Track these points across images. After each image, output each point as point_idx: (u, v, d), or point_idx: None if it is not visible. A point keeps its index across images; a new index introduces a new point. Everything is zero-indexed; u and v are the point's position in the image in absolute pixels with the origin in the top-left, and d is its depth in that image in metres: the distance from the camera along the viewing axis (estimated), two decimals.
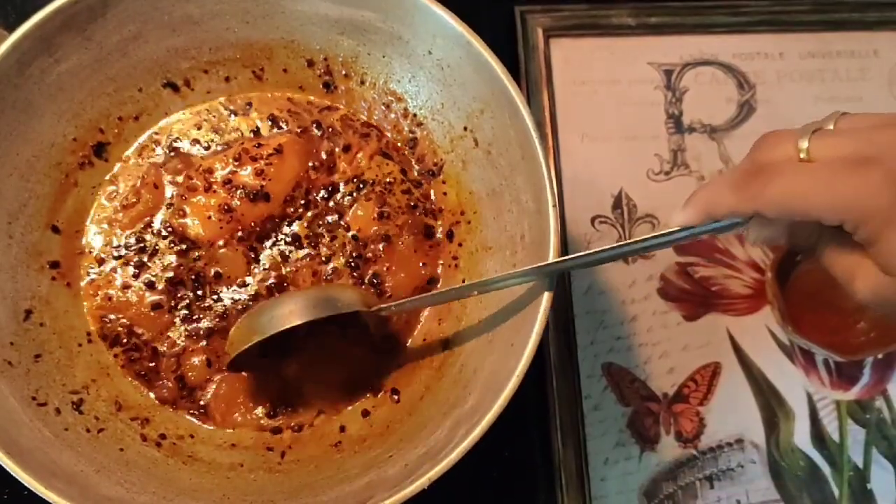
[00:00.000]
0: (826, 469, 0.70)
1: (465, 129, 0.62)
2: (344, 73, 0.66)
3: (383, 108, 0.66)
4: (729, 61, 0.79)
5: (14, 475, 0.48)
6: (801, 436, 0.70)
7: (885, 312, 0.44)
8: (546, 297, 0.52)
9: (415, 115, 0.65)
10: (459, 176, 0.64)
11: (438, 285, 0.64)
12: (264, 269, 0.62)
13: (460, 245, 0.64)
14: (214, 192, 0.63)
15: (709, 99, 0.78)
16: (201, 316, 0.61)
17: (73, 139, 0.61)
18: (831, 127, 0.43)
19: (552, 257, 0.53)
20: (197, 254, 0.62)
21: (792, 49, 0.80)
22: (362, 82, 0.66)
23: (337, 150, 0.65)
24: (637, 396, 0.70)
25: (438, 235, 0.65)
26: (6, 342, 0.56)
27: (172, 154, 0.65)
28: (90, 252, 0.63)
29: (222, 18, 0.62)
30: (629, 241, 0.48)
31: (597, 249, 0.50)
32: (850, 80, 0.80)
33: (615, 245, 0.49)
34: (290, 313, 0.56)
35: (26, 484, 0.48)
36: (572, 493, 0.67)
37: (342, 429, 0.60)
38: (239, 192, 0.63)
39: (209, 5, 0.61)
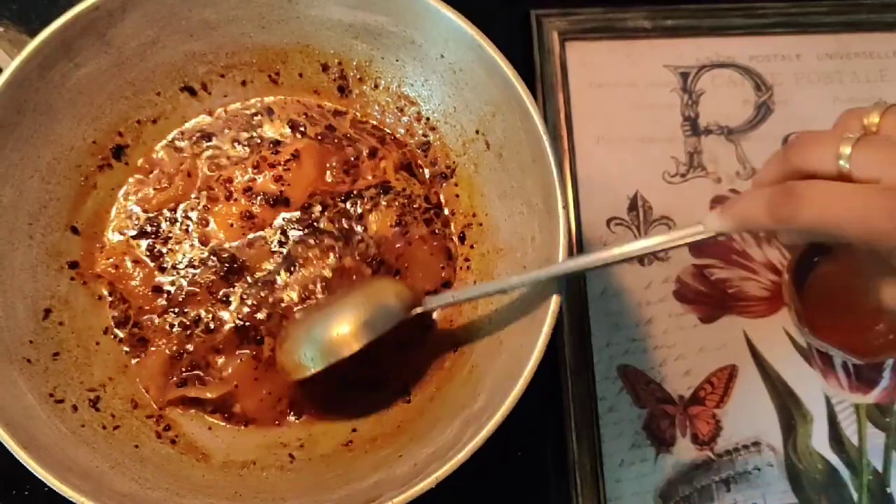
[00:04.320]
0: (845, 473, 0.69)
1: (477, 132, 0.63)
2: (358, 77, 0.66)
3: (396, 111, 0.67)
4: (746, 63, 0.79)
5: (31, 470, 0.49)
6: (819, 439, 0.70)
7: None
8: (555, 300, 0.53)
9: (427, 118, 0.66)
10: (471, 178, 0.64)
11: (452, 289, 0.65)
12: (285, 259, 0.64)
13: (472, 247, 0.64)
14: (235, 200, 0.64)
15: (725, 101, 0.78)
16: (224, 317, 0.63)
17: (92, 142, 0.63)
18: (876, 120, 0.42)
19: (561, 258, 0.53)
20: (223, 262, 0.64)
21: (809, 50, 0.80)
22: (376, 86, 0.66)
23: (363, 154, 0.66)
24: (652, 398, 0.70)
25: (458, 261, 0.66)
26: (25, 340, 0.57)
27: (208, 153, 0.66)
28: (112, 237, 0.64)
29: (238, 23, 0.63)
30: (642, 243, 0.50)
31: (611, 252, 0.51)
32: (869, 82, 0.79)
33: (628, 246, 0.51)
34: (346, 338, 0.56)
35: (42, 479, 0.49)
36: (587, 495, 0.67)
37: (354, 429, 0.60)
38: (259, 198, 0.64)
39: (226, 10, 0.62)
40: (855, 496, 0.69)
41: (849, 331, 0.70)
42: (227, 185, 0.64)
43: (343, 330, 0.56)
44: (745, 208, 0.45)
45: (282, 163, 0.64)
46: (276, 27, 0.64)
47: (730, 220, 0.46)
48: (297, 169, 0.65)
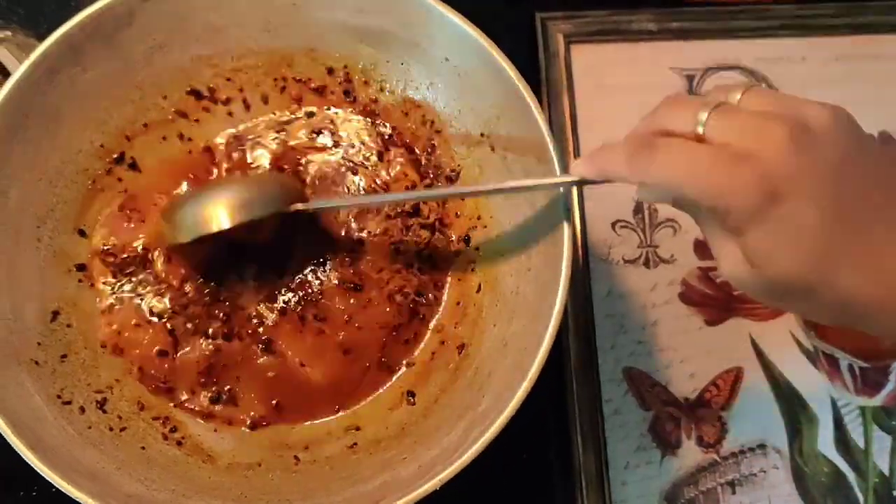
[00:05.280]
0: (851, 475, 0.69)
1: (482, 134, 0.63)
2: (363, 80, 0.66)
3: (402, 115, 0.67)
4: (752, 66, 0.79)
5: (38, 471, 0.50)
6: (825, 442, 0.70)
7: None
8: (559, 302, 0.53)
9: (432, 121, 0.66)
10: (476, 181, 0.64)
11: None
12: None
13: (477, 249, 0.65)
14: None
15: None
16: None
17: (99, 145, 0.63)
18: (738, 97, 0.44)
19: (565, 260, 0.53)
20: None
21: (816, 53, 0.80)
22: (381, 90, 0.67)
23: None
24: (658, 401, 0.70)
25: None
26: (33, 342, 0.57)
27: None
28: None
29: (244, 27, 0.63)
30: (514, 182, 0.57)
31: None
32: (876, 85, 0.79)
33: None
34: (218, 213, 0.57)
35: (50, 480, 0.49)
36: (592, 497, 0.67)
37: (358, 430, 0.61)
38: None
39: (232, 14, 0.62)
40: (861, 499, 0.68)
41: (855, 333, 0.70)
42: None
43: (218, 205, 0.58)
44: (607, 157, 0.47)
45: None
46: (282, 31, 0.64)
47: (591, 167, 0.48)
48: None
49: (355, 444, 0.60)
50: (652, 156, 0.43)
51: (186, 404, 0.61)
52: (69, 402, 0.56)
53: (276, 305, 0.63)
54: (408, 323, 0.64)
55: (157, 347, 0.62)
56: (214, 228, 0.57)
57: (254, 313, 0.63)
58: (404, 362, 0.64)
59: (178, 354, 0.62)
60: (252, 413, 0.61)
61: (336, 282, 0.64)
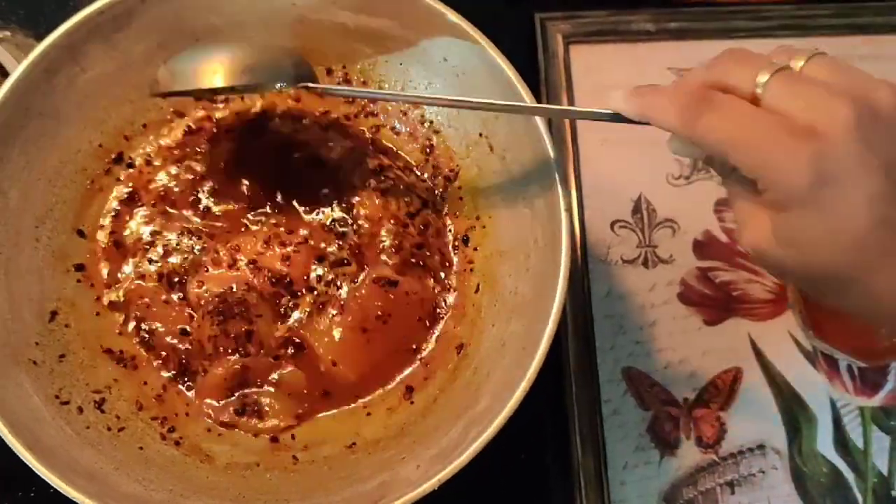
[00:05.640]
0: (849, 475, 0.69)
1: (481, 135, 0.63)
2: (362, 80, 0.67)
3: (400, 115, 0.67)
4: None
5: (36, 472, 0.50)
6: (823, 442, 0.70)
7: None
8: (557, 302, 0.53)
9: (431, 122, 0.66)
10: (475, 181, 0.65)
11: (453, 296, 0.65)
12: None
13: (475, 249, 0.64)
14: (238, 269, 0.62)
15: None
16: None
17: (98, 145, 0.63)
18: (801, 63, 0.42)
19: (564, 260, 0.53)
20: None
21: None
22: (380, 90, 0.67)
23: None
24: (657, 401, 0.70)
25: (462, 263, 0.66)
26: (32, 342, 0.57)
27: None
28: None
29: (243, 28, 0.63)
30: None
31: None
32: None
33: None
34: (217, 69, 0.55)
35: (48, 480, 0.49)
36: (591, 497, 0.67)
37: (357, 430, 0.61)
38: (264, 272, 0.62)
39: (230, 15, 0.62)
40: (860, 499, 0.68)
41: (854, 333, 0.70)
42: (234, 253, 0.63)
43: (218, 61, 0.55)
44: (655, 100, 0.44)
45: (293, 243, 0.63)
46: (281, 31, 0.64)
47: (635, 105, 0.45)
48: (307, 251, 0.63)
49: (354, 443, 0.59)
50: (706, 110, 0.41)
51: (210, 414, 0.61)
52: (67, 402, 0.56)
53: (308, 305, 0.63)
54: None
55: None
56: (206, 85, 0.55)
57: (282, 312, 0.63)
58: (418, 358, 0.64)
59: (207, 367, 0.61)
60: (276, 422, 0.61)
61: (373, 276, 0.63)
